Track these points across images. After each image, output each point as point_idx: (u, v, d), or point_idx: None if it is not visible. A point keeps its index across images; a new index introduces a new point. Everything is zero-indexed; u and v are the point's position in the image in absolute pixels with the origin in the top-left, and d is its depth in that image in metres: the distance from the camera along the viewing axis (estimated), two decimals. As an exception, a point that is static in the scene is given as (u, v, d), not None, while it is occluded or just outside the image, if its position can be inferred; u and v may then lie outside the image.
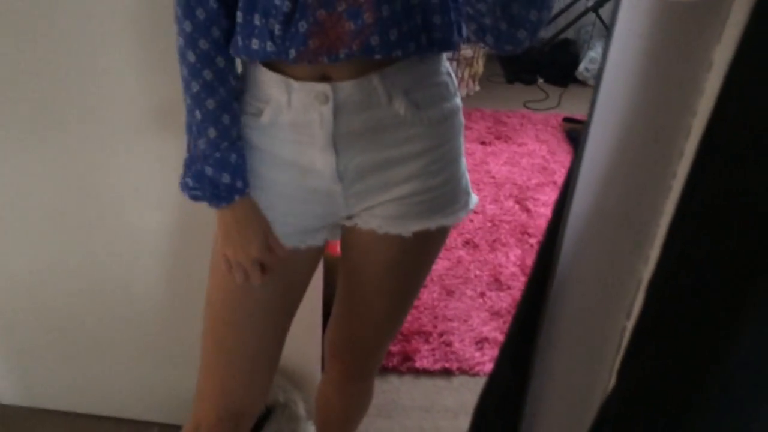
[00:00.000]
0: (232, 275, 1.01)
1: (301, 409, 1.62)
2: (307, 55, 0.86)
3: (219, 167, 0.94)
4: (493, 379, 0.69)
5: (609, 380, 0.59)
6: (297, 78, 0.90)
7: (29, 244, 1.52)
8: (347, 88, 0.89)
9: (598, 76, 0.52)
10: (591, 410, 0.61)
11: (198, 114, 0.92)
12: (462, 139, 1.03)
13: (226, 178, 0.94)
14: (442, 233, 1.05)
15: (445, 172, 0.99)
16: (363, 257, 1.09)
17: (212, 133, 0.93)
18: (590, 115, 0.54)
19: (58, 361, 1.68)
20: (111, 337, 1.61)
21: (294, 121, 0.93)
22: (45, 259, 1.54)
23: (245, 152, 0.97)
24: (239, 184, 0.95)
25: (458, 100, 1.00)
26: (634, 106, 0.52)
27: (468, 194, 1.05)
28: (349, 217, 1.03)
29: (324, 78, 0.90)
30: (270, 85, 0.93)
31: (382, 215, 1.00)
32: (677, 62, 0.49)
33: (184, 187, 0.97)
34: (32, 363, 1.70)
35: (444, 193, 1.00)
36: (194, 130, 0.94)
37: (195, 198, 0.97)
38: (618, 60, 0.52)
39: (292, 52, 0.86)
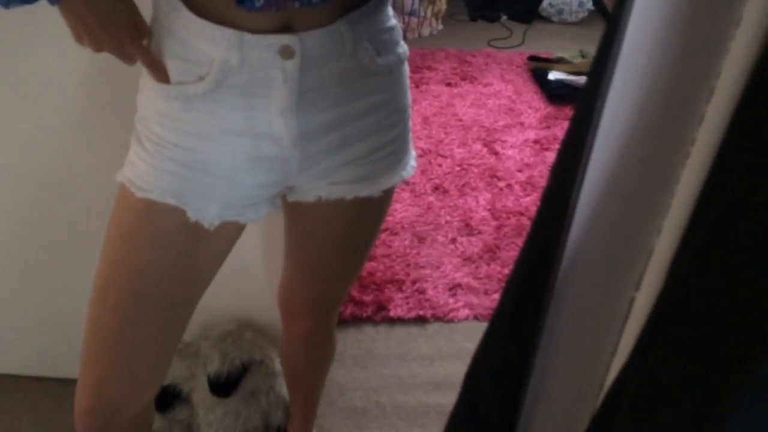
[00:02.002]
0: (126, 249, 0.86)
1: (277, 365, 1.61)
2: (276, 1, 0.74)
3: None
4: (487, 349, 0.67)
5: (614, 352, 0.57)
6: (252, 30, 0.77)
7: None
8: (315, 38, 0.79)
9: (616, 36, 0.48)
10: (595, 382, 0.60)
11: None
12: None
13: None
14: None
15: (401, 123, 0.94)
16: (322, 223, 1.03)
17: None
18: (607, 77, 0.50)
19: (24, 329, 1.63)
20: (74, 302, 1.57)
21: (248, 82, 0.80)
22: (3, 226, 1.47)
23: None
24: None
25: (405, 45, 0.94)
26: (654, 65, 0.48)
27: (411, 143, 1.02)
28: (303, 188, 0.94)
29: (286, 28, 0.79)
30: (213, 41, 0.78)
31: (346, 180, 0.93)
32: (702, 17, 0.45)
33: None
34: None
35: (402, 144, 0.97)
36: None
37: None
38: (638, 17, 0.48)
39: (260, 0, 0.74)
